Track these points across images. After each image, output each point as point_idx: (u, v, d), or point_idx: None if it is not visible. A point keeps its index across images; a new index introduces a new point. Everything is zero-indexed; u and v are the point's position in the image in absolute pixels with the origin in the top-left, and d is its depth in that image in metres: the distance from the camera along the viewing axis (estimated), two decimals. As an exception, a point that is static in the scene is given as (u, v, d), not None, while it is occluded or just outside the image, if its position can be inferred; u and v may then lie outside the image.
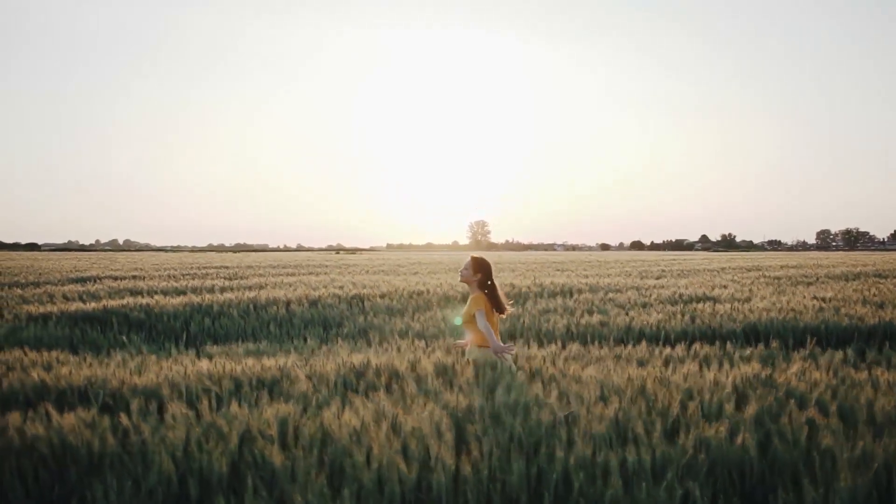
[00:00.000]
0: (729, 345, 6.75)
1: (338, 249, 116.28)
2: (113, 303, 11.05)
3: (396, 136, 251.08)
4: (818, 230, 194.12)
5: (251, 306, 10.83)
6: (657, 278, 18.22)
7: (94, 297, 13.02)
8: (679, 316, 8.80)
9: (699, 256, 60.18)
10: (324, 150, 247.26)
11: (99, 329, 9.66)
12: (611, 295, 11.84)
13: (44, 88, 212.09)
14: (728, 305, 9.75)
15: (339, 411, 3.97)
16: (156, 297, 11.94)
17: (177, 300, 11.32)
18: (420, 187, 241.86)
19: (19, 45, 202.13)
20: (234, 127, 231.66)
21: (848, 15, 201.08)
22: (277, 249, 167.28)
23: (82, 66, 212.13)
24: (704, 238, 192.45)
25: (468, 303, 5.20)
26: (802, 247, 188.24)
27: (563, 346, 6.97)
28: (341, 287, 13.97)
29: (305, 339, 8.85)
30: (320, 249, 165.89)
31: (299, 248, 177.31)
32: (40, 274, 20.19)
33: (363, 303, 11.34)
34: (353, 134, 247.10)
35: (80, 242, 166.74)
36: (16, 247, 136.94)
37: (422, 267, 26.87)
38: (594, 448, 3.21)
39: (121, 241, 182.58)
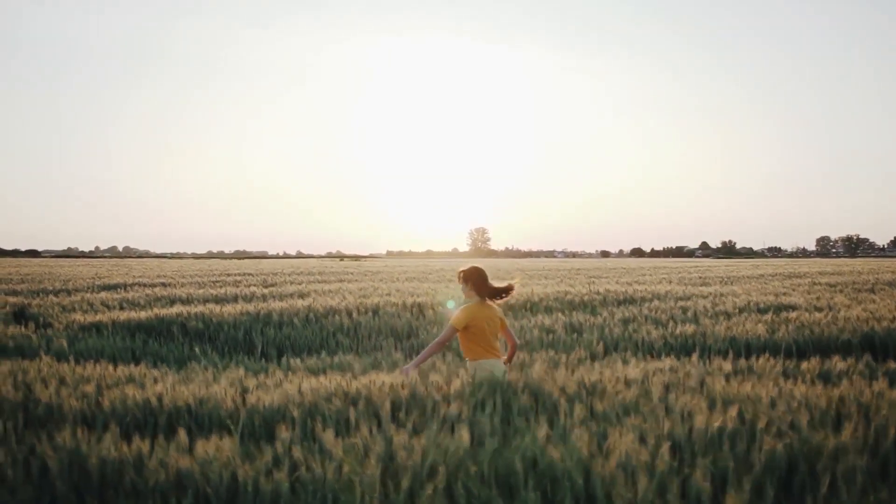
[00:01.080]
0: (867, 358, 6.24)
1: (341, 256, 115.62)
2: (164, 311, 10.53)
3: (396, 142, 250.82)
4: (818, 237, 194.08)
5: (310, 315, 10.31)
6: (701, 285, 17.71)
7: (137, 305, 12.51)
8: (784, 326, 8.29)
9: (706, 263, 59.71)
10: (322, 156, 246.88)
11: (159, 339, 9.14)
12: (681, 303, 11.33)
13: (45, 95, 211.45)
14: (819, 314, 9.25)
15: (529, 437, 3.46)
16: (208, 305, 11.41)
17: (229, 308, 10.79)
18: (419, 194, 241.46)
19: (19, 51, 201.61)
20: (233, 134, 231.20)
21: (848, 21, 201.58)
22: (277, 256, 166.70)
23: (81, 73, 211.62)
24: (705, 245, 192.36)
25: (459, 310, 5.13)
26: (802, 254, 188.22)
27: (678, 359, 6.49)
28: (388, 294, 13.46)
29: (378, 350, 8.35)
30: (320, 256, 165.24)
31: (299, 255, 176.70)
32: (66, 281, 19.63)
33: (423, 311, 10.82)
34: (353, 141, 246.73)
35: (80, 249, 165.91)
36: (16, 253, 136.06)
37: (451, 273, 26.29)
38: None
39: (120, 248, 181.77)
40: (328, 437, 3.99)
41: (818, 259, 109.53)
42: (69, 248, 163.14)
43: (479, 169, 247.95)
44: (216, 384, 5.45)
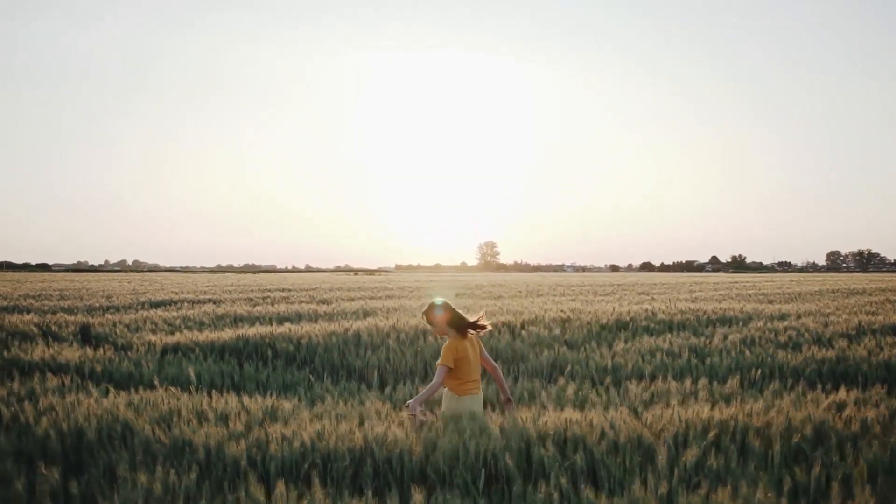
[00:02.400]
0: None
1: (355, 271, 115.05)
2: (247, 331, 9.97)
3: (403, 157, 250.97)
4: (828, 251, 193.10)
5: (400, 336, 9.72)
6: (768, 302, 17.06)
7: (202, 324, 11.95)
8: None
9: (733, 278, 59.01)
10: (328, 171, 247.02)
11: (251, 363, 8.56)
12: (781, 323, 10.72)
13: (53, 110, 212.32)
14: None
15: None
16: (285, 324, 10.84)
17: (309, 328, 10.22)
18: (427, 208, 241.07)
19: (24, 64, 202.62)
20: (240, 148, 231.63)
21: (857, 37, 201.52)
22: (286, 270, 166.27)
23: (85, 86, 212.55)
24: (714, 259, 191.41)
25: (443, 349, 5.02)
26: (813, 268, 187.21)
27: (861, 389, 5.89)
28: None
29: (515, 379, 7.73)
30: (329, 270, 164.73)
31: (308, 269, 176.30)
32: (108, 296, 19.07)
33: (517, 331, 10.22)
34: (360, 155, 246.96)
35: (90, 263, 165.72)
36: (27, 267, 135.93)
37: (501, 289, 25.64)
38: None
39: (129, 262, 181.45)
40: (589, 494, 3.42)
41: (833, 274, 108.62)
42: (79, 262, 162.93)
43: (486, 183, 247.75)
44: (383, 422, 4.85)
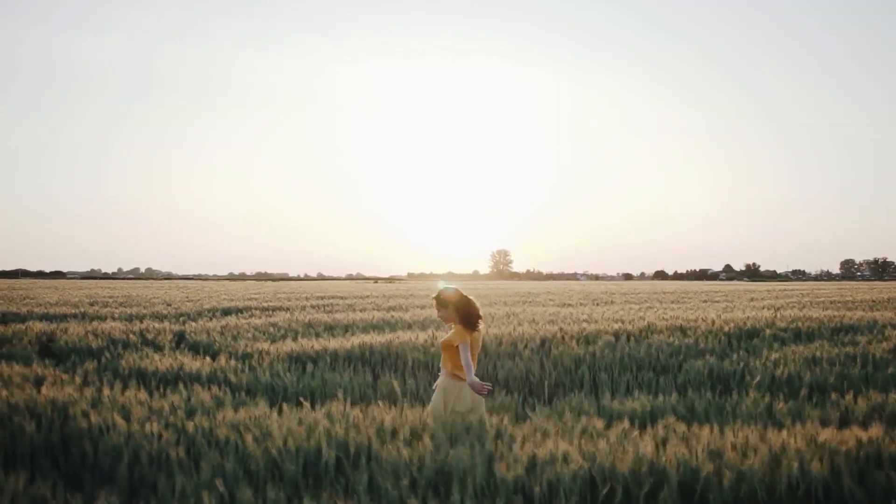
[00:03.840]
0: None
1: (375, 279, 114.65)
2: (373, 340, 9.50)
3: (414, 165, 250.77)
4: (842, 260, 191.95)
5: (529, 344, 9.22)
6: (847, 310, 16.48)
7: (294, 332, 11.46)
8: None
9: (751, 286, 58.28)
10: (340, 178, 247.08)
11: (385, 372, 8.09)
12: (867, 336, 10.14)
13: (62, 119, 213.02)
14: None
15: None
16: (398, 332, 10.36)
17: (423, 336, 9.74)
18: (438, 216, 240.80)
19: (36, 74, 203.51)
20: (252, 156, 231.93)
21: (871, 44, 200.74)
22: (298, 278, 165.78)
23: (99, 96, 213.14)
24: (728, 268, 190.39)
25: (452, 332, 5.04)
26: (827, 276, 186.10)
27: None
28: (581, 320, 12.30)
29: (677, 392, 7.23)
30: (341, 279, 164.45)
31: (320, 277, 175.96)
32: (169, 304, 18.61)
33: (639, 339, 9.72)
34: (372, 162, 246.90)
35: (103, 271, 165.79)
36: (41, 275, 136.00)
37: (554, 297, 25.10)
38: None
39: (142, 270, 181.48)
40: None
41: (848, 283, 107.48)
42: (92, 270, 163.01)
43: (497, 191, 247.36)
44: (631, 441, 4.33)
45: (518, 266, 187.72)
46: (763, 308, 16.86)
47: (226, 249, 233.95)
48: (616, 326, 10.89)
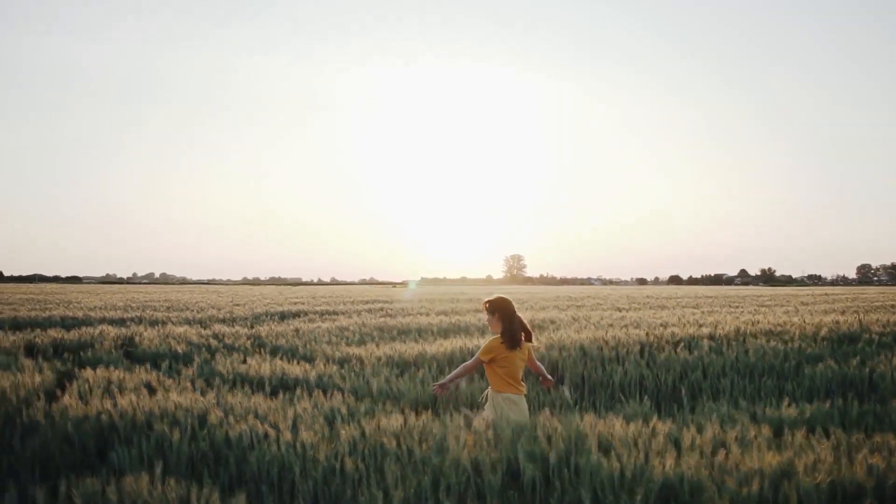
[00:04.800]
0: None
1: (393, 283, 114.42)
2: (470, 344, 9.21)
3: (426, 169, 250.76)
4: (858, 265, 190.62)
5: (619, 350, 8.93)
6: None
7: (369, 336, 11.19)
8: None
9: (778, 291, 57.69)
10: (351, 183, 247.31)
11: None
12: None
13: (80, 126, 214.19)
14: None
15: None
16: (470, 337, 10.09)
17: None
18: (451, 221, 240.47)
19: (48, 80, 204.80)
20: (264, 161, 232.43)
21: (888, 44, 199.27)
22: (312, 283, 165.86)
23: (110, 101, 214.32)
24: (743, 272, 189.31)
25: (484, 345, 5.08)
26: (843, 281, 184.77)
27: None
28: (664, 325, 11.98)
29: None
30: (354, 283, 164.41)
31: (334, 282, 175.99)
32: (217, 308, 18.39)
33: (732, 344, 9.40)
34: (384, 167, 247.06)
35: (118, 276, 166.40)
36: (57, 279, 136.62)
37: (596, 302, 24.73)
38: None
39: (157, 275, 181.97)
40: None
41: (867, 288, 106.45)
42: (107, 275, 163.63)
43: (508, 196, 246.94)
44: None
45: (531, 271, 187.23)
46: (826, 312, 16.50)
47: (238, 255, 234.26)
48: (706, 331, 10.57)
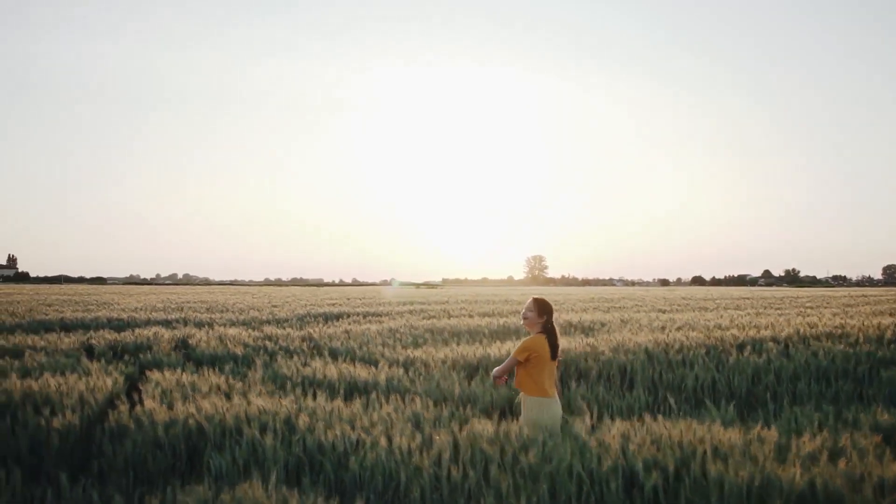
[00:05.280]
0: None
1: (418, 285, 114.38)
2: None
3: (447, 169, 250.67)
4: (884, 265, 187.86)
5: (686, 353, 8.75)
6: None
7: (427, 341, 11.09)
8: None
9: (811, 292, 56.90)
10: (372, 183, 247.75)
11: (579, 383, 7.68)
12: None
13: (104, 128, 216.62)
14: None
15: None
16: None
17: (585, 342, 9.31)
18: (472, 222, 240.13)
19: (78, 83, 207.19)
20: (283, 163, 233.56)
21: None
22: (334, 284, 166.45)
23: (132, 105, 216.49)
24: (767, 273, 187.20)
25: (518, 345, 5.01)
26: (868, 282, 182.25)
27: None
28: (743, 325, 11.77)
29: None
30: (375, 284, 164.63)
31: (355, 283, 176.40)
32: (258, 310, 18.39)
33: (795, 346, 9.19)
34: (405, 168, 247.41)
35: (142, 276, 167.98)
36: (82, 280, 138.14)
37: (646, 303, 24.46)
38: None
39: (180, 276, 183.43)
40: None
41: (893, 288, 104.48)
42: (131, 276, 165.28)
43: (530, 196, 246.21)
44: None
45: (553, 272, 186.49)
46: (874, 314, 16.18)
47: (259, 256, 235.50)
48: (765, 333, 10.36)
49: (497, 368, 5.09)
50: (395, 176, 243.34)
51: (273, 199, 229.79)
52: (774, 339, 9.78)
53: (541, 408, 4.87)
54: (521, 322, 5.19)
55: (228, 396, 6.42)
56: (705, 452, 4.22)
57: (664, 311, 18.46)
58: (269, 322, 14.33)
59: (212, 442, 5.04)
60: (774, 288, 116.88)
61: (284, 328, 12.32)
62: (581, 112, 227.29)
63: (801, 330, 10.74)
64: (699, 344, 9.30)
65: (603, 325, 12.76)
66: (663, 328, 11.94)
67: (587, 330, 12.29)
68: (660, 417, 4.92)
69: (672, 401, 6.92)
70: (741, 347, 9.19)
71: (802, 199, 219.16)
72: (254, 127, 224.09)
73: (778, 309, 19.69)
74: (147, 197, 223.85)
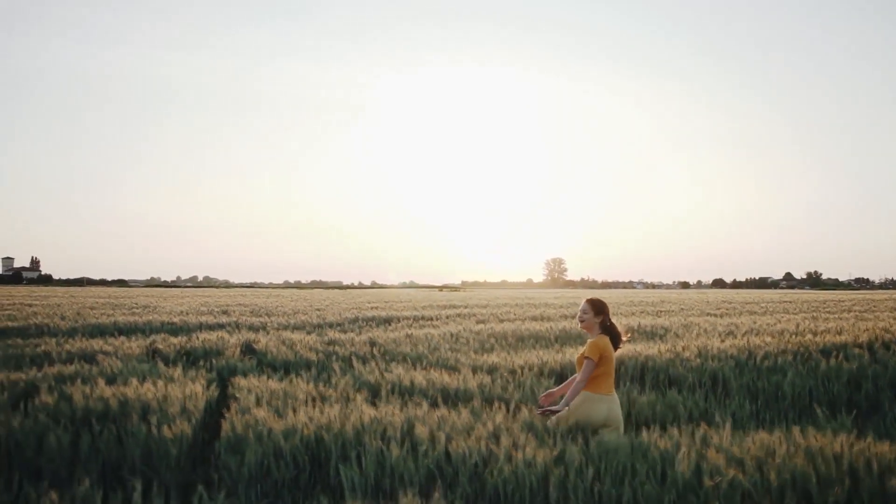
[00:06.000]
0: None
1: (441, 287, 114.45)
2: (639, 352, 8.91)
3: (465, 173, 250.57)
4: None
5: (777, 359, 8.52)
6: None
7: (493, 347, 10.91)
8: None
9: (840, 296, 56.13)
10: (391, 187, 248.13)
11: (659, 390, 7.48)
12: None
13: (127, 133, 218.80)
14: None
15: None
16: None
17: (663, 347, 9.10)
18: (491, 225, 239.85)
19: (76, 87, 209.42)
20: (300, 166, 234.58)
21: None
22: (352, 286, 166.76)
23: (151, 108, 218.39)
24: (789, 276, 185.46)
25: (587, 345, 4.97)
26: (892, 285, 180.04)
27: None
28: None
29: None
30: (395, 287, 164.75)
31: (374, 285, 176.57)
32: (304, 313, 18.30)
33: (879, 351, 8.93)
34: (422, 171, 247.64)
35: (162, 279, 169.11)
36: (104, 282, 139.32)
37: (689, 307, 24.17)
38: None
39: (200, 278, 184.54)
40: None
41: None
42: (152, 278, 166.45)
43: (549, 199, 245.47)
44: None
45: (572, 274, 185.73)
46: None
47: (277, 258, 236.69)
48: (842, 338, 10.10)
49: (566, 397, 4.96)
50: (411, 178, 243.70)
51: (289, 202, 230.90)
52: (857, 345, 9.52)
53: (605, 405, 4.90)
54: (579, 325, 5.19)
55: (324, 403, 6.26)
56: (870, 466, 4.01)
57: (716, 315, 18.17)
58: (322, 326, 14.22)
59: (336, 453, 4.89)
60: (798, 290, 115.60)
61: (345, 332, 12.18)
62: (597, 115, 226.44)
63: (879, 335, 10.47)
64: (782, 350, 9.06)
65: (666, 329, 12.52)
66: (730, 333, 11.68)
67: (653, 335, 12.06)
68: (795, 429, 4.70)
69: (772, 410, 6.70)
70: (825, 353, 8.94)
71: (823, 200, 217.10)
72: (270, 130, 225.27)
73: (830, 312, 19.33)
74: (166, 200, 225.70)
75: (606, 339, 4.95)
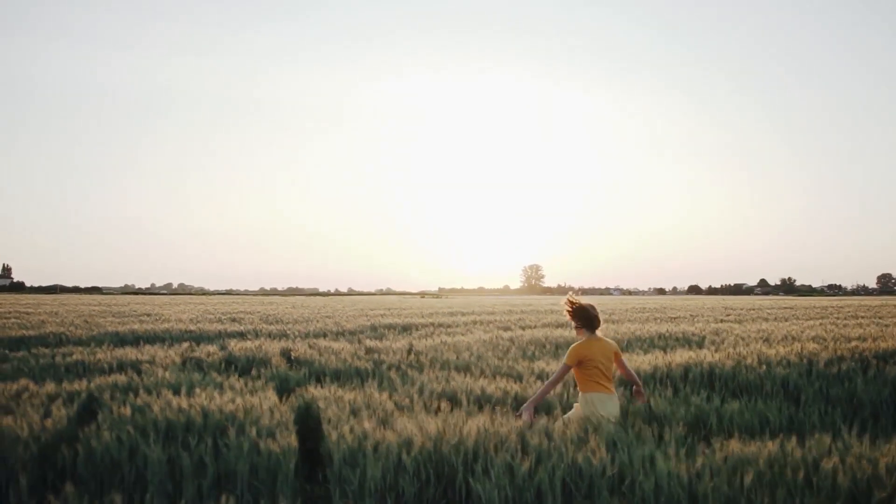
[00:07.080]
0: None
1: (422, 294, 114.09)
2: (676, 358, 8.80)
3: (442, 180, 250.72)
4: (879, 274, 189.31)
5: (813, 365, 8.50)
6: None
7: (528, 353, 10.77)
8: None
9: (827, 302, 56.91)
10: (367, 195, 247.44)
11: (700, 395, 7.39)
12: None
13: (96, 138, 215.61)
14: None
15: None
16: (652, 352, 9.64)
17: (697, 355, 9.04)
18: (468, 232, 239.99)
19: (61, 93, 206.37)
20: (278, 173, 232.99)
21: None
22: (328, 293, 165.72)
23: (127, 115, 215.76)
24: (763, 282, 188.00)
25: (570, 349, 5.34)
26: (864, 291, 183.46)
27: None
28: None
29: None
30: (371, 293, 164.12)
31: (351, 293, 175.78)
32: (313, 321, 18.00)
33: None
34: (400, 179, 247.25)
35: (137, 286, 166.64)
36: (77, 290, 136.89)
37: (695, 314, 24.22)
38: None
39: (175, 285, 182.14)
40: None
41: (888, 297, 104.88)
42: (126, 285, 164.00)
43: (526, 207, 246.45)
44: None
45: (549, 280, 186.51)
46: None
47: (253, 265, 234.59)
48: (867, 345, 10.12)
49: (530, 400, 5.41)
50: (387, 186, 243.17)
51: (267, 209, 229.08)
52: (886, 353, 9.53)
53: (597, 403, 5.16)
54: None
55: (402, 412, 6.06)
56: None
57: (733, 322, 18.23)
58: (343, 333, 13.98)
59: (461, 466, 4.69)
60: (774, 297, 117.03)
61: (380, 340, 11.97)
62: (573, 124, 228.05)
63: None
64: (839, 357, 9.03)
65: (702, 337, 12.48)
66: (765, 340, 11.66)
67: (688, 342, 12.00)
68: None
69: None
70: (883, 358, 8.94)
71: (796, 208, 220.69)
72: (247, 138, 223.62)
73: (840, 318, 19.49)
74: (140, 207, 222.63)
75: (591, 343, 5.22)
